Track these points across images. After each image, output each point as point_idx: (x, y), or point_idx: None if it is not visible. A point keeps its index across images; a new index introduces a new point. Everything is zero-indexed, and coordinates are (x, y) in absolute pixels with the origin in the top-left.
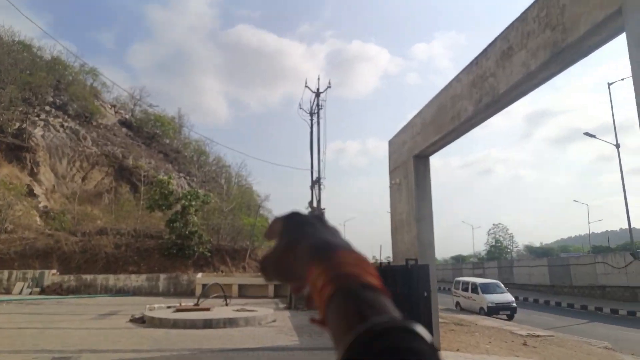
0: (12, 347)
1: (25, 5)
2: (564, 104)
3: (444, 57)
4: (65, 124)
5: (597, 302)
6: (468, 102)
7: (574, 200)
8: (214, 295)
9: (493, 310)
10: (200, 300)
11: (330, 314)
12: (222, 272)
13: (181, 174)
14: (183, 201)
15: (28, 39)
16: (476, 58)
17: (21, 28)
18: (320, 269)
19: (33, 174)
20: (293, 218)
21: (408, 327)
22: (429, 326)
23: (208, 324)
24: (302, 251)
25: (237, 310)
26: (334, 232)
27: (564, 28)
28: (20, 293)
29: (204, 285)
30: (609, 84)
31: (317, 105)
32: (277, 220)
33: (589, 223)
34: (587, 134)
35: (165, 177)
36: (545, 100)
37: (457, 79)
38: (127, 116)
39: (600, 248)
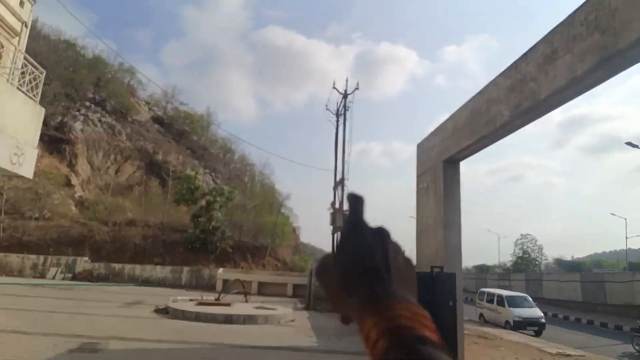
0: (45, 330)
1: (71, 5)
2: (602, 111)
3: (474, 60)
4: (103, 119)
5: (634, 323)
6: (505, 106)
7: (611, 214)
8: (235, 291)
9: (520, 325)
10: (221, 295)
11: None
12: (242, 268)
13: (207, 170)
14: (208, 197)
15: (72, 38)
16: (515, 62)
17: (66, 27)
18: (374, 320)
19: (71, 165)
20: (350, 238)
21: None
22: (453, 338)
23: (229, 319)
24: (355, 300)
25: (257, 308)
26: (393, 261)
27: (614, 32)
28: (53, 278)
29: (224, 281)
30: None
31: (344, 106)
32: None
33: (626, 238)
34: (629, 143)
35: (192, 173)
36: (582, 107)
37: (493, 82)
38: (159, 113)
39: (638, 265)
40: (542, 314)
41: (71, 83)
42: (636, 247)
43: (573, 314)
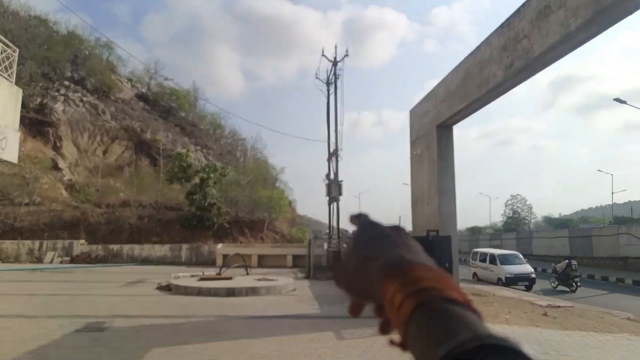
0: (48, 313)
1: None
2: (590, 69)
3: (465, 22)
4: (85, 99)
5: (619, 274)
6: (497, 67)
7: (598, 170)
8: (235, 265)
9: (511, 281)
10: (222, 269)
11: (411, 334)
12: (241, 242)
13: (198, 147)
14: (201, 174)
15: (44, 13)
16: (508, 19)
17: (36, 2)
18: (396, 285)
19: (56, 148)
20: (366, 230)
21: (504, 345)
22: None
23: (231, 293)
24: (375, 268)
25: (258, 280)
26: (413, 245)
27: None
28: (51, 262)
29: (224, 256)
30: None
31: (334, 74)
32: (353, 220)
33: (612, 193)
34: (617, 99)
35: (184, 151)
36: (571, 65)
37: (486, 42)
38: (143, 90)
39: (623, 219)
40: (532, 270)
41: (47, 61)
42: (620, 202)
43: None
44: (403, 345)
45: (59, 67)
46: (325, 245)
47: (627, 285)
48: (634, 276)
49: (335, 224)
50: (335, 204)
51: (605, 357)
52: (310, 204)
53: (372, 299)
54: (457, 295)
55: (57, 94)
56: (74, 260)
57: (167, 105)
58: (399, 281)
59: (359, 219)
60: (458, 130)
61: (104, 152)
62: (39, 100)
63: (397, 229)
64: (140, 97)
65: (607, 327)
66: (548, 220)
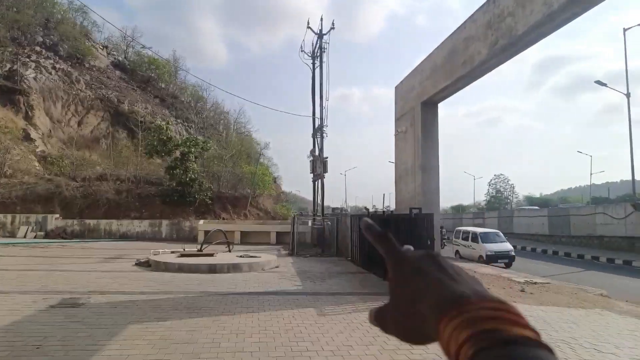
0: (21, 288)
1: None
2: (576, 51)
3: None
4: (57, 66)
5: (594, 252)
6: (482, 44)
7: (578, 151)
8: (217, 241)
9: (492, 259)
10: (204, 246)
11: None
12: (223, 219)
13: (178, 120)
14: (182, 148)
15: None
16: None
17: None
18: (454, 324)
19: (28, 118)
20: (402, 268)
21: None
22: None
23: (212, 269)
24: (429, 305)
25: (240, 256)
26: (456, 271)
27: None
28: (24, 236)
29: (206, 232)
30: (625, 30)
31: (320, 47)
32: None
33: (590, 174)
34: (598, 82)
35: (163, 123)
36: (557, 47)
37: (471, 19)
38: (120, 58)
39: (600, 199)
40: (512, 248)
41: (17, 25)
42: (598, 183)
43: (540, 246)
44: None
45: (29, 32)
46: (310, 223)
47: (601, 263)
48: (609, 254)
49: (319, 201)
50: (320, 181)
51: (577, 330)
52: (296, 180)
53: (423, 340)
54: (522, 330)
55: (27, 60)
56: (48, 235)
57: (145, 75)
58: (457, 320)
59: (382, 243)
60: (445, 108)
61: (79, 123)
62: (8, 66)
63: (430, 258)
64: (117, 65)
65: (580, 302)
66: (529, 199)
